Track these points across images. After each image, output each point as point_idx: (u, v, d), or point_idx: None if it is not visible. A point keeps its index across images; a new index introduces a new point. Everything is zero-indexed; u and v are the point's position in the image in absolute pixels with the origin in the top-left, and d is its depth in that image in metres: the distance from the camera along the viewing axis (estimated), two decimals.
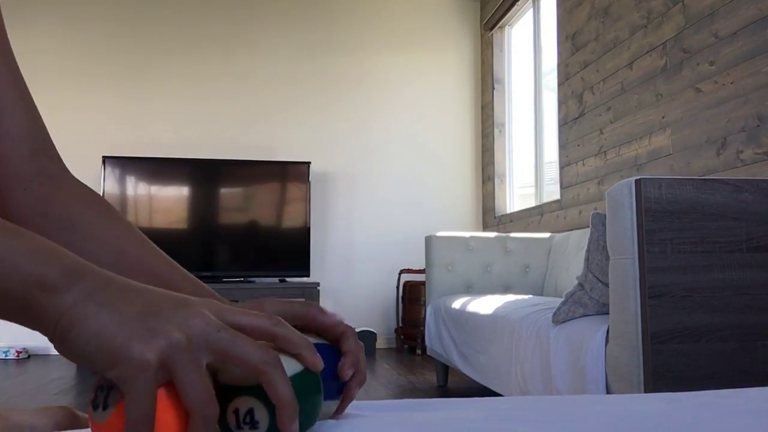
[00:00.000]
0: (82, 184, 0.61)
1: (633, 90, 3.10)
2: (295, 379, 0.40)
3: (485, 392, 2.76)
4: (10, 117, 0.59)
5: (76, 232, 0.57)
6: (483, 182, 5.29)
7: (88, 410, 0.38)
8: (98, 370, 0.36)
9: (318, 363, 0.41)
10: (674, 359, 1.56)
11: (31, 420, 0.57)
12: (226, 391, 0.40)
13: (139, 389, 0.34)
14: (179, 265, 0.59)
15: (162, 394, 0.36)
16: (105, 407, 0.36)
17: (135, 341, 0.35)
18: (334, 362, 0.47)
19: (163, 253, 0.60)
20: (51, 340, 0.37)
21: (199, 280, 0.58)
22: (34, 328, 0.38)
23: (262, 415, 0.39)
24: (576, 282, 2.00)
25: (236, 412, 0.39)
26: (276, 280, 4.71)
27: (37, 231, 0.55)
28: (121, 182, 4.64)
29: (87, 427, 0.60)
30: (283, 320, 0.41)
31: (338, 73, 5.19)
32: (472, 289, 3.51)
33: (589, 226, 1.99)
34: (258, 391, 0.38)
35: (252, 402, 0.39)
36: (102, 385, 0.37)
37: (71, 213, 0.58)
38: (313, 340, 0.45)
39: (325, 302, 4.94)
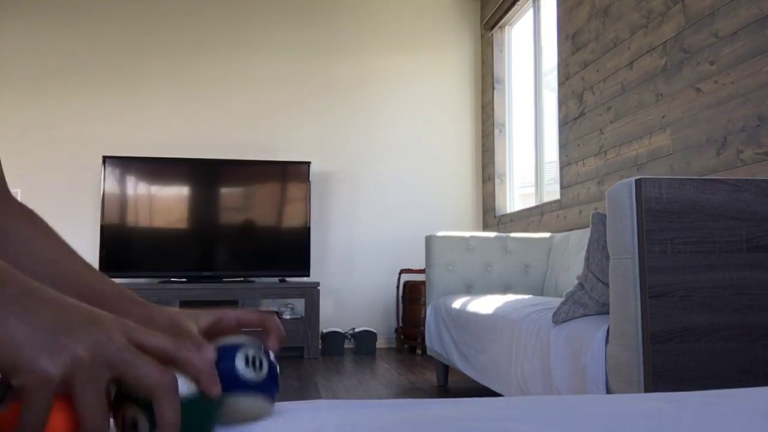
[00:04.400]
0: (21, 203, 0.66)
1: (633, 90, 3.10)
2: (188, 402, 0.43)
3: (485, 392, 2.76)
4: None
5: (9, 242, 0.61)
6: (483, 182, 5.29)
7: None
8: (3, 374, 0.38)
9: (213, 390, 0.44)
10: (674, 359, 1.56)
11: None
12: (120, 397, 0.43)
13: (37, 400, 0.37)
14: (109, 279, 0.62)
15: (59, 400, 0.38)
16: (2, 400, 0.39)
17: (41, 355, 0.37)
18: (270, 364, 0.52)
19: (94, 267, 0.63)
20: None
21: (129, 291, 0.60)
22: None
23: (144, 425, 0.42)
24: (576, 282, 1.99)
25: (123, 417, 0.42)
26: (276, 280, 4.71)
27: None
28: (121, 182, 4.64)
29: None
30: (188, 343, 0.44)
31: (338, 73, 5.19)
32: (472, 289, 3.51)
33: (589, 226, 1.99)
34: (146, 404, 0.41)
35: (138, 413, 0.42)
36: (2, 382, 0.39)
37: (7, 226, 0.62)
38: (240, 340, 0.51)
39: (325, 302, 4.94)
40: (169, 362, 0.43)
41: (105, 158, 4.59)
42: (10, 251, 0.60)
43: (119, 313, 0.52)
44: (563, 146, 3.86)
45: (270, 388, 0.50)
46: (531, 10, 4.64)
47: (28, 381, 0.37)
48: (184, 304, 4.39)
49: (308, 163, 4.79)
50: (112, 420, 0.43)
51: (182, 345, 0.44)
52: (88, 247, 4.61)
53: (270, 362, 0.51)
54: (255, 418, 0.50)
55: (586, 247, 1.96)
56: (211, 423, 0.46)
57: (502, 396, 1.25)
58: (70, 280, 0.59)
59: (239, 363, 0.48)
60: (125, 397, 0.42)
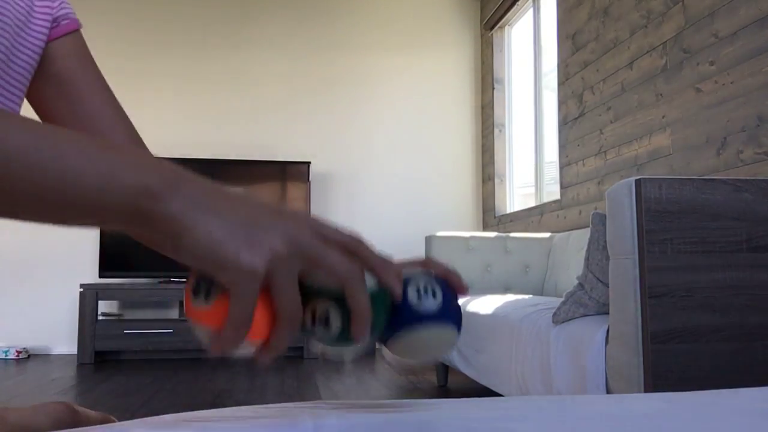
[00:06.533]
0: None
1: (633, 90, 3.10)
2: (373, 294, 0.43)
3: (485, 392, 2.76)
4: (116, 131, 0.77)
5: None
6: (483, 182, 5.29)
7: (186, 294, 0.42)
8: (210, 272, 0.40)
9: (395, 284, 0.45)
10: (674, 359, 1.56)
11: (28, 419, 0.57)
12: (306, 292, 0.43)
13: (246, 293, 0.39)
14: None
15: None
16: (207, 296, 0.40)
17: (243, 250, 0.39)
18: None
19: None
20: (162, 246, 0.41)
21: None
22: (148, 234, 0.41)
23: (336, 318, 0.43)
24: (576, 282, 1.99)
25: (313, 312, 0.43)
26: None
27: None
28: None
29: (86, 422, 0.60)
30: (365, 242, 0.45)
31: (338, 73, 5.19)
32: (472, 289, 3.50)
33: (589, 226, 1.99)
34: (337, 296, 0.42)
35: (330, 305, 0.43)
36: (204, 277, 0.41)
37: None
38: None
39: None
40: (350, 254, 0.43)
41: None
42: None
43: None
44: (563, 146, 3.86)
45: (449, 315, 0.49)
46: (531, 10, 4.64)
47: (235, 276, 0.38)
48: None
49: (308, 163, 4.79)
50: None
51: (361, 241, 0.44)
52: (88, 247, 4.61)
53: (444, 289, 0.50)
54: (438, 349, 0.50)
55: (586, 247, 1.96)
56: (386, 317, 0.46)
57: (502, 396, 1.25)
58: None
59: (411, 294, 0.48)
60: (311, 292, 0.43)
